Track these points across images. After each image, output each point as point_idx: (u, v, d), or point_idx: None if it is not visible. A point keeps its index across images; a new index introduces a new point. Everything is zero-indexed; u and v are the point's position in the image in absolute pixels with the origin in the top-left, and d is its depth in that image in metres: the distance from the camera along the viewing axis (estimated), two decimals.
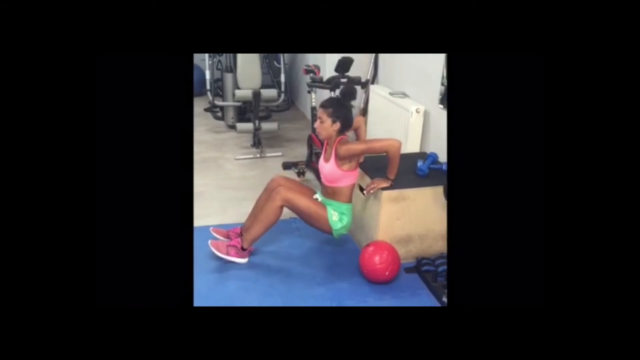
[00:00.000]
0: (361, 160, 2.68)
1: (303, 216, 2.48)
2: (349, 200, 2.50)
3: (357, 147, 2.36)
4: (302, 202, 2.43)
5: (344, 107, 2.39)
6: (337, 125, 2.37)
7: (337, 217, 2.45)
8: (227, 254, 2.51)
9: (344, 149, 2.33)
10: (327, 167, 2.44)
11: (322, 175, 2.53)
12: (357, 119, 2.58)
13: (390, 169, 2.43)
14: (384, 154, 2.40)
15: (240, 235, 2.62)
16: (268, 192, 2.58)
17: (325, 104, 2.40)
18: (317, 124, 2.42)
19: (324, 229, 2.48)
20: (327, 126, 2.38)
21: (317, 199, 2.52)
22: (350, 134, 2.50)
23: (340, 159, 2.36)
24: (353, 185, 2.49)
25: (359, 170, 2.51)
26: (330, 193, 2.49)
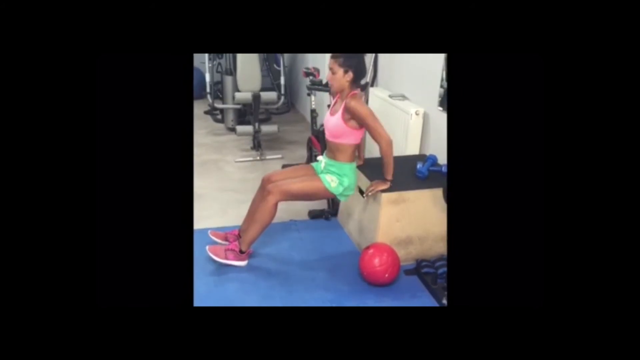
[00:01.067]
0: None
1: (303, 198, 2.48)
2: (351, 160, 2.47)
3: (365, 111, 2.32)
4: (294, 187, 2.42)
5: (355, 56, 2.34)
6: (350, 75, 2.33)
7: (335, 183, 2.43)
8: (226, 258, 2.51)
9: (353, 105, 2.29)
10: (333, 120, 2.41)
11: (326, 130, 2.49)
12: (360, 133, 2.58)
13: (385, 169, 2.42)
14: (378, 145, 2.38)
15: (239, 237, 2.61)
16: (261, 191, 2.57)
17: (335, 55, 2.34)
18: (328, 76, 2.37)
19: (327, 197, 2.46)
20: (339, 77, 2.34)
21: (308, 170, 2.51)
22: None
23: (348, 111, 2.32)
24: (356, 146, 2.47)
25: (364, 132, 2.47)
26: (333, 150, 2.46)
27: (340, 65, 2.33)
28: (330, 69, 2.36)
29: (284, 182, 2.44)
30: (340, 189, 2.44)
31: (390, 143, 2.36)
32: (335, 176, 2.44)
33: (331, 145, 2.47)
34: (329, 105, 2.67)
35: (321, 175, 2.45)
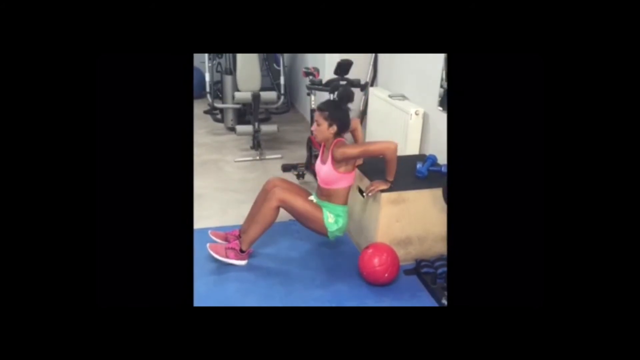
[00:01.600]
0: (359, 162, 2.69)
1: (298, 217, 2.48)
2: (345, 203, 2.50)
3: (353, 150, 2.36)
4: (298, 202, 2.43)
5: (340, 109, 2.40)
6: (334, 128, 2.38)
7: (332, 219, 2.45)
8: (226, 256, 2.51)
9: (340, 152, 2.33)
10: (324, 169, 2.44)
11: (318, 177, 2.53)
12: (353, 122, 2.59)
13: (388, 171, 2.43)
14: (381, 156, 2.40)
15: (239, 237, 2.62)
16: (264, 193, 2.58)
17: (321, 107, 2.40)
18: (314, 127, 2.43)
19: (319, 230, 2.48)
20: (323, 129, 2.39)
21: (312, 201, 2.53)
22: (347, 136, 2.50)
23: (337, 161, 2.37)
24: (349, 188, 2.49)
25: (355, 172, 2.51)
26: (326, 195, 2.49)
27: (325, 119, 2.37)
28: (316, 120, 2.41)
29: (291, 194, 2.44)
30: (335, 227, 2.46)
31: (394, 150, 2.37)
32: (332, 214, 2.46)
33: (324, 191, 2.50)
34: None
35: (324, 209, 2.47)
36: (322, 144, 2.52)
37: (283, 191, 2.42)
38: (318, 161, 2.54)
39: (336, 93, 2.57)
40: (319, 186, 2.55)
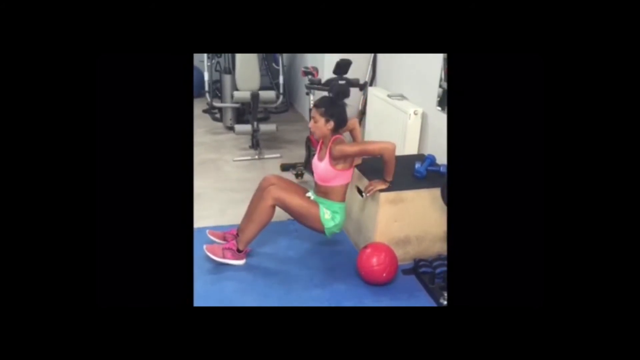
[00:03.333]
0: (358, 162, 2.69)
1: (295, 215, 2.48)
2: (342, 200, 2.50)
3: (351, 148, 2.36)
4: (294, 200, 2.43)
5: (336, 105, 2.40)
6: (331, 124, 2.38)
7: (329, 216, 2.44)
8: (223, 257, 2.51)
9: (338, 149, 2.33)
10: (321, 166, 2.44)
11: (315, 174, 2.53)
12: (352, 121, 2.59)
13: (386, 171, 2.43)
14: (379, 156, 2.40)
15: (237, 236, 2.62)
16: (261, 192, 2.57)
17: (317, 104, 2.41)
18: (311, 124, 2.43)
19: (316, 227, 2.48)
20: (320, 125, 2.39)
21: (309, 197, 2.52)
22: (346, 135, 2.50)
23: (335, 159, 2.37)
24: (346, 185, 2.49)
25: (353, 170, 2.51)
26: (323, 192, 2.49)
27: (322, 115, 2.37)
28: (313, 117, 2.41)
29: (286, 192, 2.44)
30: (331, 223, 2.46)
31: (392, 150, 2.38)
32: (329, 211, 2.46)
33: (322, 188, 2.50)
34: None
35: (320, 205, 2.46)
36: (320, 141, 2.53)
37: (278, 189, 2.42)
38: (315, 158, 2.54)
39: (331, 89, 2.56)
40: (316, 183, 2.55)
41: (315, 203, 2.47)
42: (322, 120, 2.38)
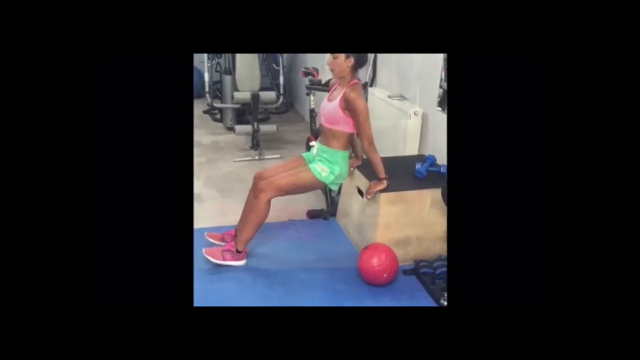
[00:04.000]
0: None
1: (295, 191, 2.48)
2: (345, 148, 2.46)
3: (361, 106, 2.30)
4: (283, 182, 2.41)
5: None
6: (351, 60, 2.30)
7: (326, 172, 2.42)
8: (223, 259, 2.49)
9: (353, 95, 2.28)
10: (329, 106, 2.40)
11: (322, 116, 2.48)
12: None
13: (374, 168, 2.43)
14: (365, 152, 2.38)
15: (235, 237, 2.61)
16: (254, 190, 2.55)
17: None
18: (329, 60, 2.34)
19: (318, 187, 2.48)
20: (340, 61, 2.30)
21: (312, 147, 2.51)
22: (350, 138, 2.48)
23: (346, 101, 2.31)
24: (350, 135, 2.45)
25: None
26: (328, 136, 2.44)
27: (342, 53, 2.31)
28: (332, 55, 2.33)
29: (275, 178, 2.43)
30: (332, 177, 2.43)
31: (372, 142, 2.37)
32: (326, 165, 2.43)
33: (326, 131, 2.45)
34: None
35: (311, 166, 2.44)
36: (336, 83, 2.47)
37: (267, 184, 2.41)
38: (325, 100, 2.50)
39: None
40: (322, 127, 2.50)
41: (305, 167, 2.45)
42: (342, 56, 2.28)
